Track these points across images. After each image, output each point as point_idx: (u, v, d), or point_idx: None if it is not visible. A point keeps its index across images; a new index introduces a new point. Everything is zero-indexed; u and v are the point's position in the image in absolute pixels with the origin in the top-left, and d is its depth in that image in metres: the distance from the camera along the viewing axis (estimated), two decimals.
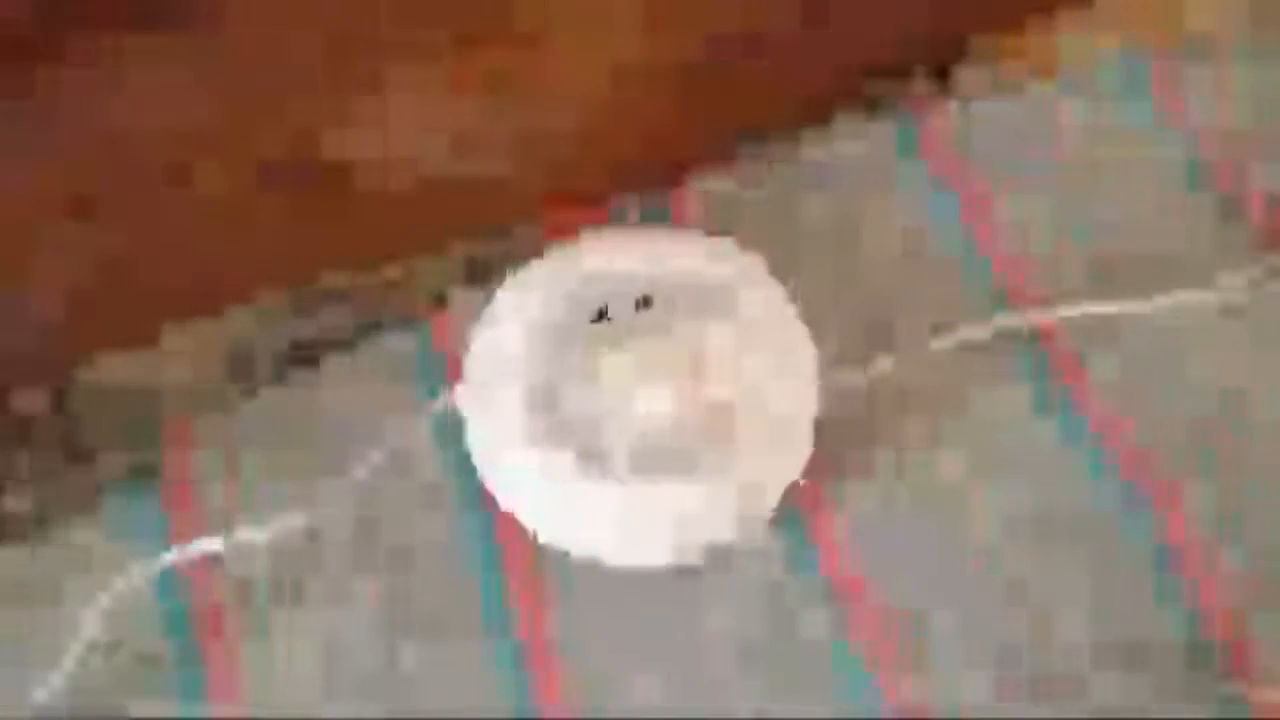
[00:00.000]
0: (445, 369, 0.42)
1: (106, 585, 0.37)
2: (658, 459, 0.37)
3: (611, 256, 0.41)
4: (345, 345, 0.43)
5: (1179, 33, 0.48)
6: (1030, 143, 0.46)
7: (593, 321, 0.39)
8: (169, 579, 0.39)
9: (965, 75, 0.47)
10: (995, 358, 0.42)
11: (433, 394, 0.41)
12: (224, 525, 0.39)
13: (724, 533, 0.38)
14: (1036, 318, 0.42)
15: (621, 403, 0.37)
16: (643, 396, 0.37)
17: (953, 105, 0.46)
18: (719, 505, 0.37)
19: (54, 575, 0.39)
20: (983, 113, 0.46)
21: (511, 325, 0.39)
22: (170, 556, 0.38)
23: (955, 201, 0.45)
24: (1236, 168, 0.45)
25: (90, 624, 0.37)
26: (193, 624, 0.39)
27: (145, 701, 0.37)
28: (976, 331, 0.42)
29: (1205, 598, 0.38)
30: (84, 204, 0.43)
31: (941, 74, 0.48)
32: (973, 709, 0.37)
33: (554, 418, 0.38)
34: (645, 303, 0.39)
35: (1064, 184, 0.45)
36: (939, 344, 0.41)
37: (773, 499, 0.38)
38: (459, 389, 0.39)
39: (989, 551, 0.39)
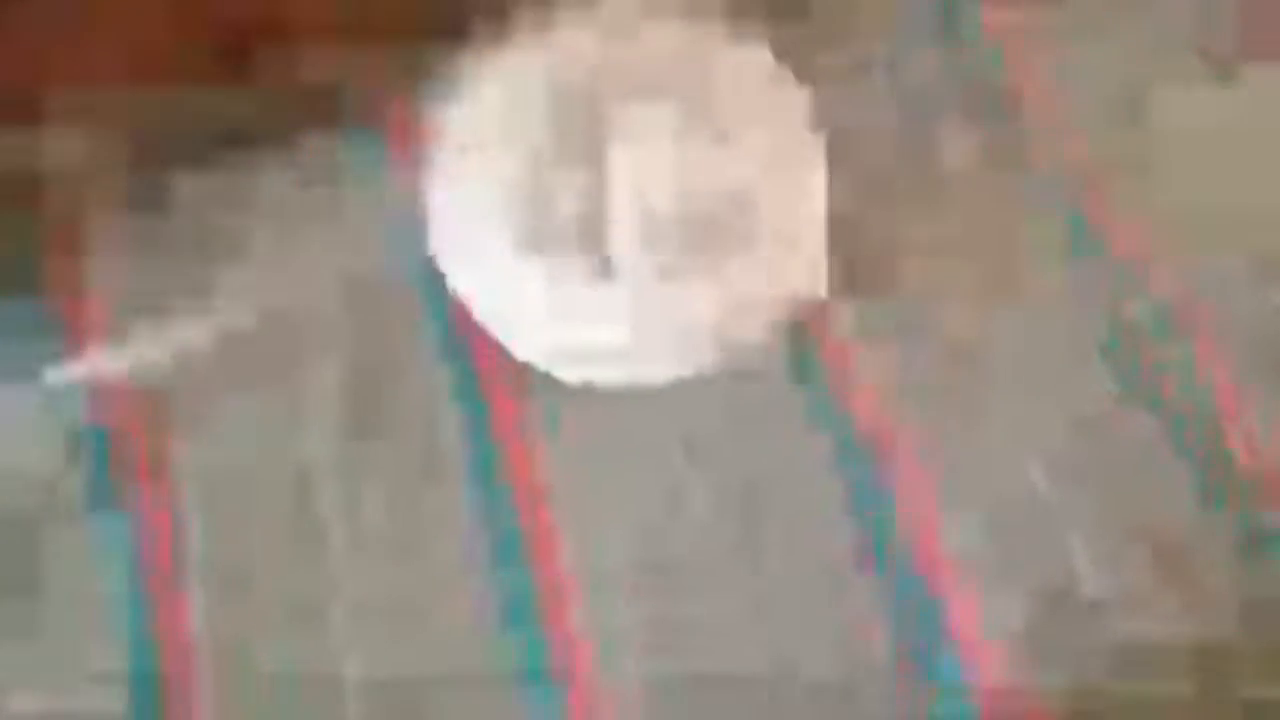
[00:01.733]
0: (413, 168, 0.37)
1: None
2: (671, 256, 0.33)
3: (595, 34, 0.35)
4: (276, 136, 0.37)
5: None
6: None
7: (585, 107, 0.33)
8: (68, 395, 0.34)
9: None
10: (1013, 167, 0.38)
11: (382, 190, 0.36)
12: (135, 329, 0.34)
13: (750, 334, 0.34)
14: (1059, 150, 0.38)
15: (627, 192, 0.33)
16: (653, 186, 0.32)
17: None
18: (749, 303, 0.33)
19: None
20: None
21: (489, 107, 0.34)
22: (72, 370, 0.33)
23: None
24: None
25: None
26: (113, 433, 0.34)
27: (63, 525, 0.33)
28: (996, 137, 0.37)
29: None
30: None
31: None
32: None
33: (546, 215, 0.33)
34: (644, 89, 0.34)
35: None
36: (953, 154, 0.37)
37: (797, 295, 0.34)
38: (430, 186, 0.34)
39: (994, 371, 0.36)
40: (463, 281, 0.34)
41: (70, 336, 0.34)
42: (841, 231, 0.36)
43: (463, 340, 0.35)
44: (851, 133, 0.38)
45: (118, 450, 0.34)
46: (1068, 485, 0.34)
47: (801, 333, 0.36)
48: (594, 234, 0.33)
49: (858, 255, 0.36)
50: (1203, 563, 0.33)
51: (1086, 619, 0.33)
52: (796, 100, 0.36)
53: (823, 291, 0.35)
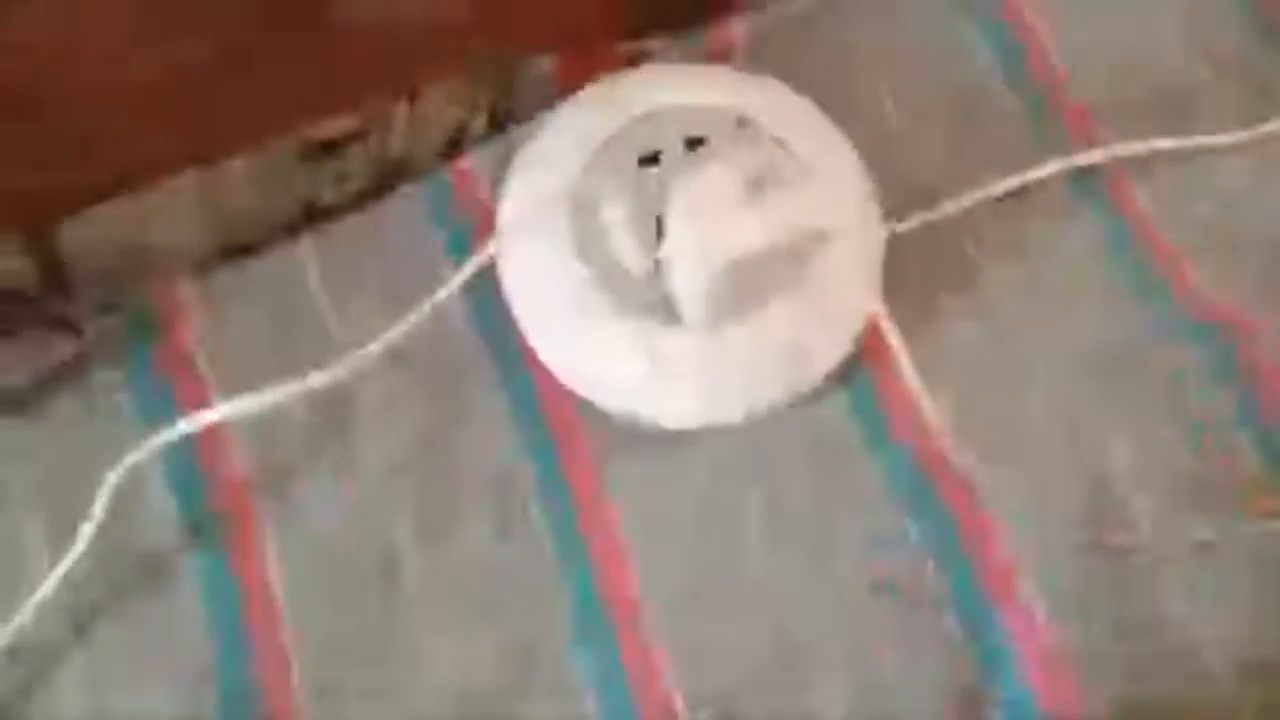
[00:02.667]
0: (470, 223, 0.38)
1: (114, 462, 0.34)
2: (732, 303, 0.34)
3: (653, 94, 0.37)
4: (349, 205, 0.39)
5: None
6: None
7: (642, 163, 0.35)
8: (178, 454, 0.35)
9: None
10: (1053, 198, 0.39)
11: (459, 250, 0.37)
12: (236, 392, 0.35)
13: (812, 374, 0.36)
14: (1094, 156, 0.39)
15: (689, 244, 0.34)
16: (715, 233, 0.34)
17: None
18: (807, 345, 0.35)
19: (53, 454, 0.35)
20: None
21: (552, 169, 0.36)
22: (181, 427, 0.34)
23: (1005, 33, 0.42)
24: None
25: (99, 506, 0.34)
26: (211, 502, 0.35)
27: (166, 589, 0.34)
28: (1038, 173, 0.39)
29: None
30: None
31: None
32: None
33: (610, 268, 0.35)
34: (695, 143, 0.36)
35: (1116, 11, 0.42)
36: (999, 185, 0.39)
37: (852, 336, 0.36)
38: (498, 241, 0.36)
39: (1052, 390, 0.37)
40: (534, 337, 0.36)
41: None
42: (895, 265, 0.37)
43: (536, 395, 0.37)
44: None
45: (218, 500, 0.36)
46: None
47: (860, 368, 0.37)
48: (659, 286, 0.34)
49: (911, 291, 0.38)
50: None
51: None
52: (844, 147, 0.38)
53: (881, 323, 0.36)
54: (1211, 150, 0.40)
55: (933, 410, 0.35)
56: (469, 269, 0.35)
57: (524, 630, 0.34)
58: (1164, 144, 0.40)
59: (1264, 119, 0.40)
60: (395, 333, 0.35)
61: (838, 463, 0.36)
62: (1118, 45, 0.42)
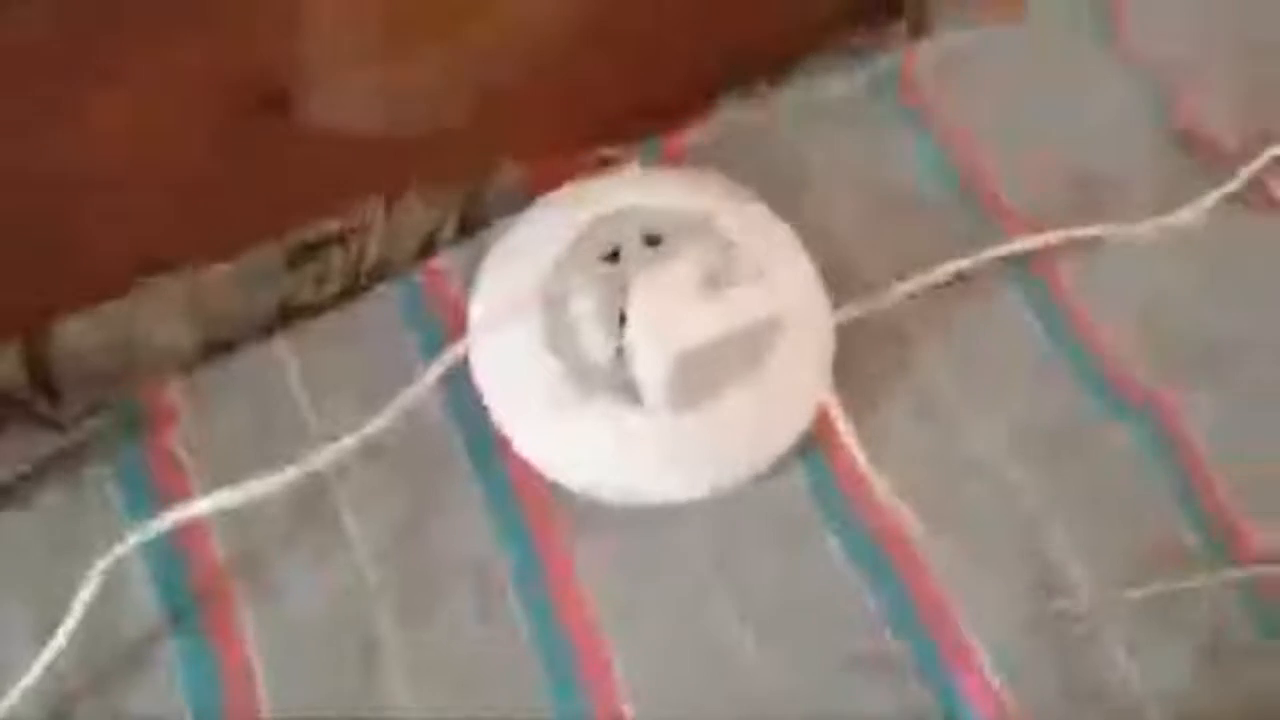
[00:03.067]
0: (442, 322, 0.40)
1: (99, 555, 0.35)
2: (692, 388, 0.36)
3: (613, 197, 0.40)
4: (326, 305, 0.41)
5: None
6: (999, 79, 0.47)
7: (603, 260, 0.38)
8: (162, 545, 0.36)
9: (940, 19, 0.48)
10: (988, 283, 0.43)
11: (432, 345, 0.39)
12: (218, 485, 0.36)
13: (769, 454, 0.38)
14: (1025, 244, 0.43)
15: (649, 333, 0.36)
16: (673, 323, 0.36)
17: (928, 46, 0.47)
18: (764, 427, 0.37)
19: (40, 546, 0.37)
20: (958, 51, 0.47)
21: (521, 268, 0.38)
22: (166, 519, 0.35)
23: (936, 138, 0.46)
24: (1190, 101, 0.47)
25: (84, 596, 0.34)
26: (193, 591, 0.37)
27: (148, 676, 0.35)
28: (970, 261, 0.42)
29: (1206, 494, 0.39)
30: None
31: (916, 25, 0.48)
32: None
33: (578, 358, 0.37)
34: (654, 240, 0.38)
35: (1033, 115, 0.46)
36: (933, 275, 0.42)
37: (806, 418, 0.38)
38: (470, 337, 0.38)
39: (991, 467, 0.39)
40: (507, 426, 0.38)
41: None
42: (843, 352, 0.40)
43: (510, 483, 0.38)
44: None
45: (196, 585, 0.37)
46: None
47: (814, 447, 0.39)
48: (624, 374, 0.37)
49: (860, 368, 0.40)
50: None
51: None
52: (793, 244, 0.41)
53: (831, 408, 0.38)
54: (1132, 239, 0.43)
55: (883, 489, 0.38)
56: (444, 361, 0.37)
57: (502, 698, 0.35)
58: (1087, 232, 0.43)
59: (1172, 209, 0.44)
60: (372, 426, 0.37)
61: (800, 540, 0.38)
62: (1041, 146, 0.46)
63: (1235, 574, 0.37)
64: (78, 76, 0.34)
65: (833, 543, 0.38)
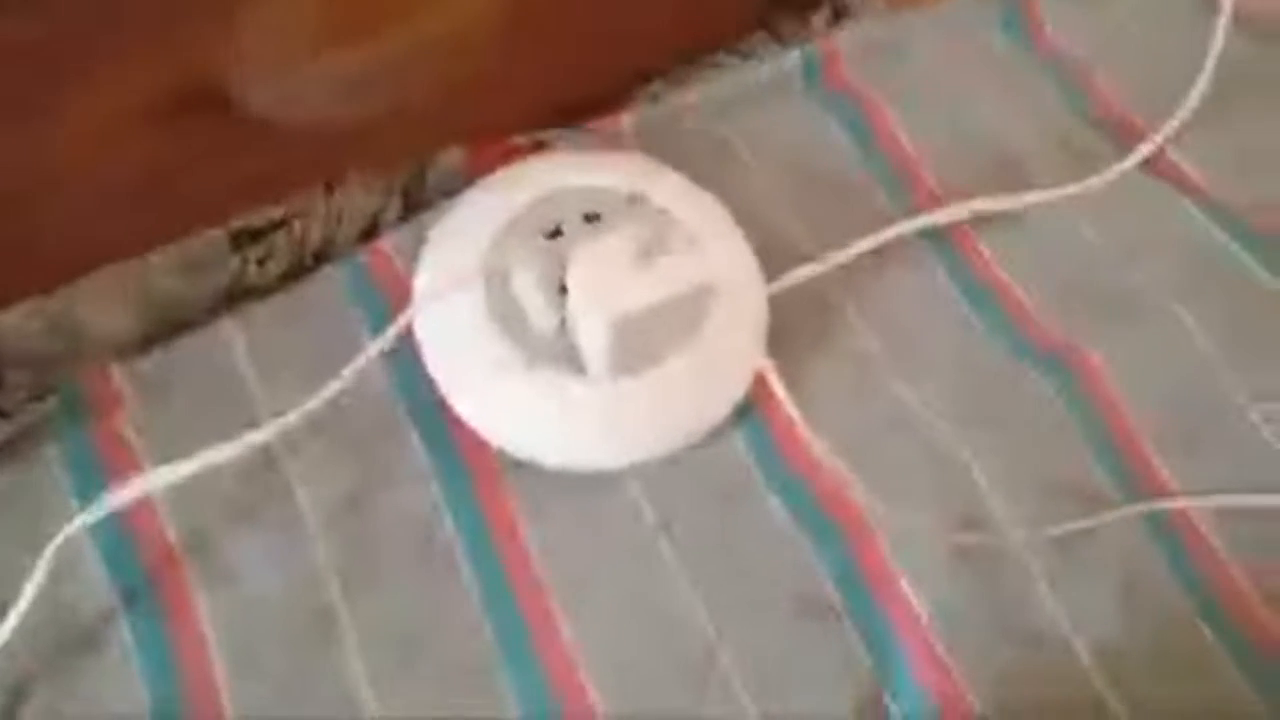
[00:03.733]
0: (386, 299, 0.41)
1: (48, 538, 0.35)
2: (632, 356, 0.38)
3: (550, 178, 0.41)
4: (272, 288, 0.42)
5: None
6: (919, 64, 0.50)
7: (546, 237, 0.39)
8: (113, 526, 0.37)
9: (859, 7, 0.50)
10: (910, 254, 0.45)
11: (377, 321, 0.40)
12: (162, 462, 0.36)
13: (709, 419, 0.40)
14: (943, 217, 0.45)
15: (589, 302, 0.38)
16: (612, 290, 0.38)
17: (849, 33, 0.50)
18: (703, 392, 0.39)
19: None
20: (878, 38, 0.50)
21: (463, 245, 0.40)
22: (115, 497, 0.36)
23: (859, 120, 0.48)
24: (1094, 83, 0.50)
25: (36, 578, 0.35)
26: (145, 570, 0.37)
27: (102, 656, 0.35)
28: (892, 232, 0.44)
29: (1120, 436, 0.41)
30: None
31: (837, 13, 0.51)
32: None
33: (521, 330, 0.38)
34: (593, 218, 0.40)
35: (950, 97, 0.49)
36: (860, 245, 0.44)
37: (744, 383, 0.40)
38: (414, 310, 0.39)
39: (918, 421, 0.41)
40: (453, 395, 0.39)
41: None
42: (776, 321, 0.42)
43: (457, 449, 0.39)
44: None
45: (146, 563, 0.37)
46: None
47: (751, 411, 0.41)
48: (566, 343, 0.38)
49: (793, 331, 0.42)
50: None
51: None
52: (725, 218, 0.42)
53: (768, 373, 0.40)
54: (1041, 206, 0.46)
55: (821, 449, 0.39)
56: (389, 334, 0.38)
57: (454, 665, 0.36)
58: (1000, 205, 0.46)
59: (1081, 179, 0.47)
60: (318, 399, 0.38)
61: (742, 499, 0.40)
62: (959, 126, 0.48)
63: (1144, 508, 0.39)
64: (24, 75, 0.35)
65: (773, 502, 0.39)
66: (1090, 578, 0.39)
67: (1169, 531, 0.40)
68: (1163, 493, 0.40)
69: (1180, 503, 0.40)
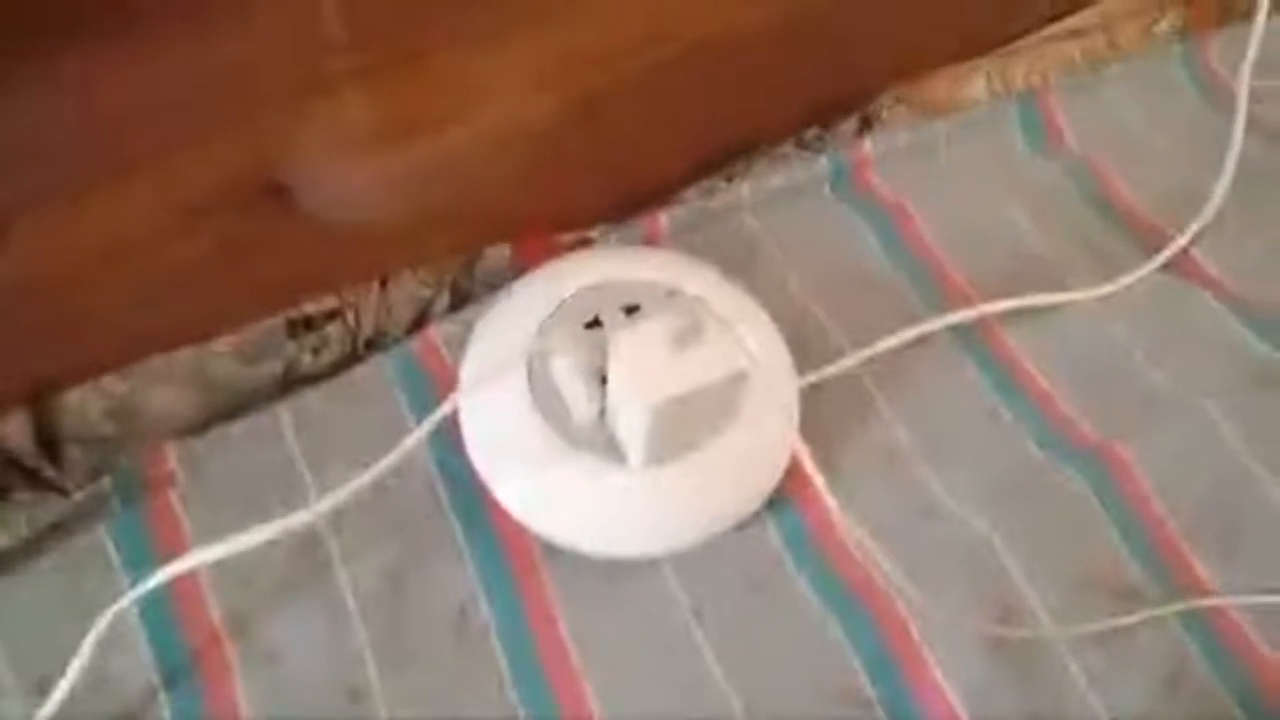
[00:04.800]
0: (433, 387, 0.43)
1: (97, 614, 0.36)
2: (671, 444, 0.39)
3: (592, 272, 0.43)
4: (324, 375, 0.44)
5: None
6: (943, 169, 0.52)
7: (586, 327, 0.41)
8: (159, 605, 0.38)
9: (887, 117, 0.53)
10: (938, 348, 0.46)
11: (423, 408, 0.41)
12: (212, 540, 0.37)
13: (745, 505, 0.40)
14: (971, 314, 0.46)
15: (629, 389, 0.38)
16: (651, 377, 0.38)
17: (877, 140, 0.52)
18: (739, 479, 0.40)
19: (39, 608, 0.38)
20: (904, 145, 0.52)
21: (509, 334, 0.41)
22: (162, 573, 0.37)
23: (887, 221, 0.50)
24: (1115, 183, 0.52)
25: (82, 655, 0.36)
26: (187, 647, 0.38)
27: None
28: (921, 329, 0.46)
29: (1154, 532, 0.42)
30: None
31: (865, 122, 0.53)
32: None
33: (562, 418, 0.39)
34: (632, 310, 0.42)
35: (975, 201, 0.51)
36: (888, 342, 0.45)
37: (779, 470, 0.41)
38: (459, 396, 0.40)
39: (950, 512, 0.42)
40: (493, 481, 0.40)
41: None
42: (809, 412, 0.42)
43: (495, 535, 0.40)
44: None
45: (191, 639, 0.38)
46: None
47: (784, 498, 0.41)
48: (606, 433, 0.39)
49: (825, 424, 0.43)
50: None
51: None
52: (758, 312, 0.44)
53: (804, 459, 0.41)
54: (1067, 305, 0.47)
55: (855, 536, 0.40)
56: (434, 419, 0.40)
57: None
58: (1026, 301, 0.47)
59: (1106, 280, 0.48)
60: (363, 479, 0.39)
61: (775, 586, 0.40)
62: (979, 227, 0.50)
63: (1183, 607, 0.39)
64: (93, 155, 0.37)
65: (805, 589, 0.40)
66: (1130, 674, 0.39)
67: (1208, 629, 0.40)
68: (1200, 589, 0.40)
69: (1220, 601, 0.40)
